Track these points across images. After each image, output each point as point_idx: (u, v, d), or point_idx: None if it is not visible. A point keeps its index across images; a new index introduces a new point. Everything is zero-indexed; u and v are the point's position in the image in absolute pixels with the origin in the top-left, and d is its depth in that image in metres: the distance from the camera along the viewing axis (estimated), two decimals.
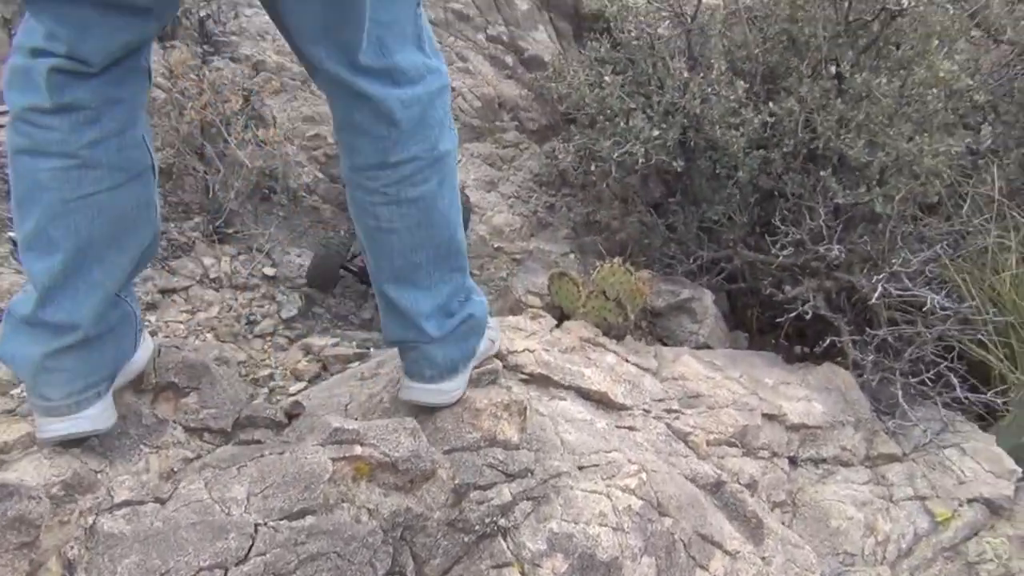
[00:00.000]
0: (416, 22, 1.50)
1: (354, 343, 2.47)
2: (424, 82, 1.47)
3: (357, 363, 2.34)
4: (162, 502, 1.46)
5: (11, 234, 2.50)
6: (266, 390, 2.22)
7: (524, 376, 2.10)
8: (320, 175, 2.98)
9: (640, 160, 3.02)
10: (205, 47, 3.21)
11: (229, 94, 2.80)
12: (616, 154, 3.06)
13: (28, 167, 1.34)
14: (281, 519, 1.44)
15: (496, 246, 3.26)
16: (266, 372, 2.28)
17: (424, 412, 1.79)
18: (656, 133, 3.09)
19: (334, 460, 1.55)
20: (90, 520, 1.40)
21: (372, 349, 2.46)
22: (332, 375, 2.30)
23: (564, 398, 2.10)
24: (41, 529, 1.34)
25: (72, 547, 1.36)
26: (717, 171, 3.40)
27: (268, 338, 2.44)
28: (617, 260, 2.52)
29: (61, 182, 1.34)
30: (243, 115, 2.83)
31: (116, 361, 1.53)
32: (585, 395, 2.15)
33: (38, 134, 1.32)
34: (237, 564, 1.36)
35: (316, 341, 2.42)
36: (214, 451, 1.71)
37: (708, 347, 2.99)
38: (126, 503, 1.44)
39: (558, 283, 2.72)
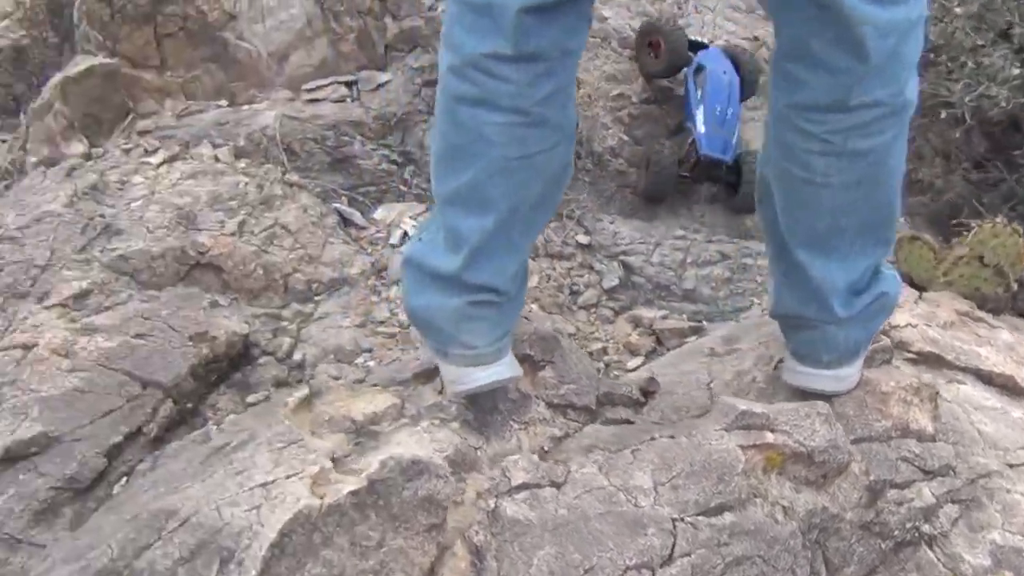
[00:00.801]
0: None
1: (684, 315, 2.27)
2: (907, 3, 1.16)
3: (694, 337, 2.14)
4: (558, 486, 1.33)
5: (336, 205, 2.52)
6: (602, 364, 2.07)
7: (911, 355, 1.79)
8: (625, 137, 2.79)
9: (1001, 104, 2.57)
10: None
11: None
12: (968, 98, 2.63)
13: (473, 118, 1.22)
14: (698, 514, 1.26)
15: None
16: (598, 346, 2.13)
17: (813, 395, 1.54)
18: (1016, 72, 2.62)
19: (743, 448, 1.35)
20: (491, 503, 1.28)
21: (705, 323, 2.25)
22: (668, 350, 2.11)
23: (963, 382, 1.77)
24: (447, 510, 1.24)
25: (477, 532, 1.25)
26: None
27: (592, 309, 2.29)
28: (1001, 219, 2.12)
29: (507, 139, 1.22)
30: None
31: (519, 309, 1.48)
32: (985, 379, 1.81)
33: (491, 84, 1.19)
34: (663, 565, 1.19)
35: (644, 313, 2.24)
36: (581, 430, 1.57)
37: None
38: (524, 486, 1.31)
39: (909, 247, 2.35)
